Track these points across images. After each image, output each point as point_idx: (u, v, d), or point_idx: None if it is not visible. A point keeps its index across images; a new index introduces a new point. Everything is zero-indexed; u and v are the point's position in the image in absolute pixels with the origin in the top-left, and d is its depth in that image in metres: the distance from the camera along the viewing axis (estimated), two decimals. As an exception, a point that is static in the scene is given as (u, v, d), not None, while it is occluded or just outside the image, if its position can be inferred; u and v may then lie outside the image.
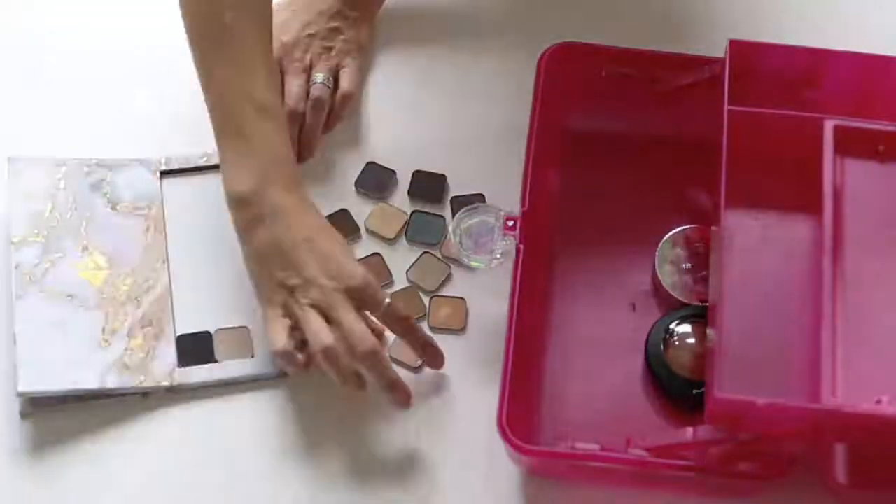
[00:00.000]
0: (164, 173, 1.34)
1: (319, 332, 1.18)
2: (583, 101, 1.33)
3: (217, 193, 1.32)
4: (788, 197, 1.22)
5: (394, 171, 1.34)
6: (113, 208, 1.31)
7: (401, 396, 1.21)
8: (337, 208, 1.33)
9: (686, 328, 1.25)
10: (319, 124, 1.36)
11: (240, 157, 1.22)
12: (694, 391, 1.21)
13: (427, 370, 1.26)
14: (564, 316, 1.27)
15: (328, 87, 1.36)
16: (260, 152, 1.21)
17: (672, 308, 1.27)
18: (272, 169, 1.21)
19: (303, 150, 1.35)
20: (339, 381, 1.19)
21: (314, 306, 1.18)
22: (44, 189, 1.31)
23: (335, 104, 1.37)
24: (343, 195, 1.34)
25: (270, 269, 1.20)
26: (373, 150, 1.37)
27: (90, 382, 1.22)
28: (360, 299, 1.20)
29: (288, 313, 1.20)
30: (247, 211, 1.21)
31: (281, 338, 1.19)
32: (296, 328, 1.19)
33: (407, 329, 1.22)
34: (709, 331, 1.19)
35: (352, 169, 1.36)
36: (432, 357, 1.24)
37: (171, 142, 1.35)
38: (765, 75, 1.26)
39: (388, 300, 1.21)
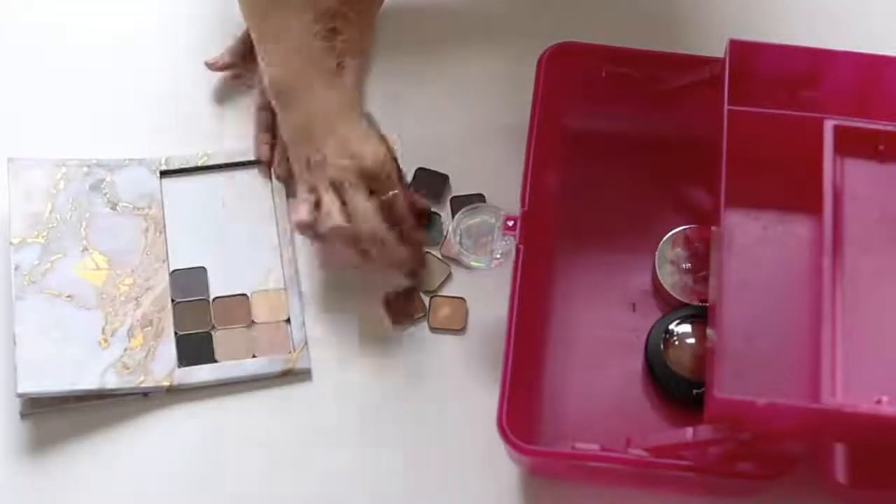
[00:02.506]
0: (164, 173, 1.34)
1: (330, 211, 1.22)
2: (583, 101, 1.33)
3: (217, 193, 1.32)
4: (788, 197, 1.22)
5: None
6: (113, 208, 1.31)
7: (408, 273, 1.26)
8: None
9: (686, 328, 1.25)
10: (321, 125, 1.36)
11: (273, 55, 1.28)
12: (694, 391, 1.21)
13: (425, 371, 1.26)
14: (564, 316, 1.27)
15: (329, 87, 1.36)
16: (292, 47, 1.28)
17: (672, 308, 1.27)
18: (302, 59, 1.28)
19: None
20: (353, 257, 1.24)
21: (332, 185, 1.23)
22: (43, 190, 1.31)
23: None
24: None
25: (299, 148, 1.27)
26: (373, 151, 1.37)
27: (90, 383, 1.22)
28: (372, 181, 1.24)
29: (312, 190, 1.25)
30: (281, 93, 1.28)
31: (301, 212, 1.25)
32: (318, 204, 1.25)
33: (403, 224, 1.26)
34: (709, 331, 1.19)
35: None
36: (417, 262, 1.28)
37: (171, 142, 1.35)
38: (765, 75, 1.26)
39: (395, 191, 1.24)
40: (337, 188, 1.24)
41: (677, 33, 1.42)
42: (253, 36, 1.31)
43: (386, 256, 1.25)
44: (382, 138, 1.27)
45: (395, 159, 1.27)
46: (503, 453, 1.19)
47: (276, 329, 1.28)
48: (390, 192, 1.25)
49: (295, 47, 1.28)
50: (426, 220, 1.31)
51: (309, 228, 1.25)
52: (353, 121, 1.27)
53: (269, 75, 1.29)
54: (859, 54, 1.26)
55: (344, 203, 1.24)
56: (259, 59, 1.30)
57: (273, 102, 1.30)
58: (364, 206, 1.23)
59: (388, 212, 1.25)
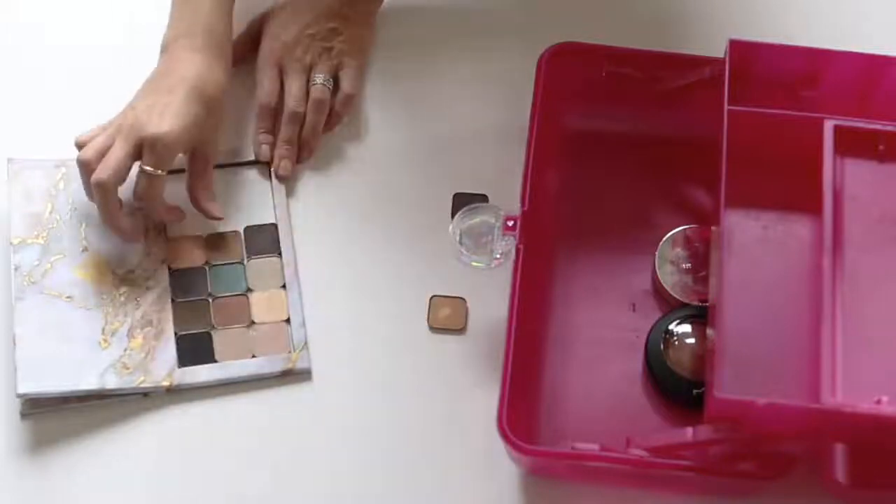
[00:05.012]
0: (164, 173, 1.34)
1: (89, 147, 1.26)
2: (583, 101, 1.33)
3: (217, 193, 1.32)
4: (788, 197, 1.22)
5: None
6: (113, 209, 1.31)
7: (116, 231, 1.28)
8: (334, 206, 1.34)
9: (686, 328, 1.25)
10: (320, 125, 1.36)
11: (173, 17, 1.32)
12: (694, 391, 1.21)
13: (425, 371, 1.26)
14: (564, 316, 1.27)
15: (328, 88, 1.36)
16: (189, 18, 1.31)
17: (672, 308, 1.27)
18: (192, 29, 1.30)
19: (302, 150, 1.36)
20: (86, 192, 1.28)
21: (116, 130, 1.27)
22: (43, 190, 1.31)
23: (335, 105, 1.37)
24: (344, 193, 1.35)
25: (137, 93, 1.30)
26: (373, 151, 1.37)
27: (90, 383, 1.22)
28: (145, 150, 1.25)
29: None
30: (161, 57, 1.31)
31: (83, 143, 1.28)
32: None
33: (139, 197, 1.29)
34: (709, 331, 1.19)
35: (351, 168, 1.36)
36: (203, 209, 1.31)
37: (171, 142, 1.35)
38: (765, 75, 1.26)
39: (161, 172, 1.26)
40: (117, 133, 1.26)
41: (677, 33, 1.42)
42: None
43: (105, 210, 1.26)
44: (196, 125, 1.27)
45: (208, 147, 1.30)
46: (503, 453, 1.19)
47: (275, 329, 1.28)
48: (150, 169, 1.26)
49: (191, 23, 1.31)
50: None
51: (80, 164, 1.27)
52: (182, 97, 1.27)
53: (165, 37, 1.31)
54: (859, 54, 1.26)
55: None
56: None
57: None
58: (114, 156, 1.25)
59: (138, 183, 1.27)
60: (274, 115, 1.36)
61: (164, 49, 1.31)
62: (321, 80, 1.36)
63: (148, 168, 1.25)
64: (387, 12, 1.42)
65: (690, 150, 1.31)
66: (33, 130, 1.37)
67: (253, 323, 1.28)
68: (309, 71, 1.37)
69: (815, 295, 1.14)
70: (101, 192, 1.25)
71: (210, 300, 1.29)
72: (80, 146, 1.27)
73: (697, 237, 1.29)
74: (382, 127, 1.38)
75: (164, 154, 1.25)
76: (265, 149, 1.35)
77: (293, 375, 1.26)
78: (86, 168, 1.25)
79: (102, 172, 1.24)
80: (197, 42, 1.30)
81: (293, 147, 1.35)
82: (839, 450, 1.18)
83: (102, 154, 1.25)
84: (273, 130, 1.36)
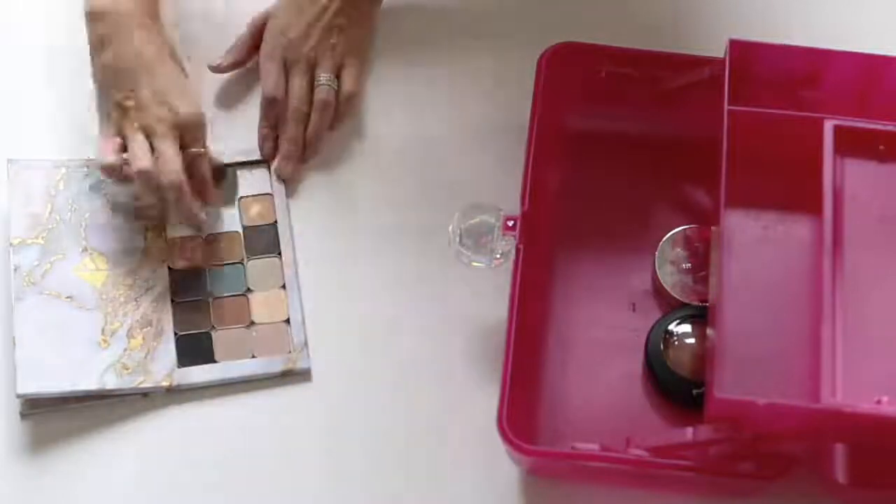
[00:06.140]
0: (164, 174, 1.34)
1: (141, 155, 1.25)
2: (583, 101, 1.33)
3: (217, 193, 1.32)
4: (788, 197, 1.22)
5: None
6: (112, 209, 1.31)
7: (197, 227, 1.30)
8: (334, 206, 1.34)
9: (686, 328, 1.25)
10: (325, 126, 1.36)
11: None
12: (694, 392, 1.21)
13: (425, 371, 1.26)
14: (564, 316, 1.27)
15: (334, 89, 1.36)
16: None
17: (672, 308, 1.27)
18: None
19: (307, 149, 1.36)
20: (152, 200, 1.28)
21: (142, 129, 1.26)
22: (43, 190, 1.31)
23: (338, 104, 1.37)
24: (344, 193, 1.35)
25: (111, 87, 1.28)
26: (373, 151, 1.37)
27: (89, 384, 1.22)
28: (183, 134, 1.27)
29: (119, 133, 1.27)
30: (99, 26, 1.29)
31: (109, 153, 1.27)
32: (125, 147, 1.27)
33: (204, 181, 1.29)
34: (709, 331, 1.19)
35: (351, 168, 1.36)
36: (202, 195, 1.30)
37: (171, 142, 1.35)
38: (765, 75, 1.26)
39: (202, 149, 1.28)
40: (147, 134, 1.26)
41: (677, 33, 1.42)
42: None
43: (182, 207, 1.27)
44: (196, 95, 1.31)
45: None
46: (503, 453, 1.18)
47: (275, 329, 1.28)
48: (198, 149, 1.28)
49: None
50: (220, 176, 1.33)
51: (115, 171, 1.26)
52: (172, 70, 1.29)
53: (94, 5, 1.29)
54: (859, 54, 1.26)
55: (152, 149, 1.26)
56: None
57: (89, 38, 1.29)
58: (171, 154, 1.25)
59: (191, 167, 1.28)
60: (278, 109, 1.36)
61: (105, 27, 1.28)
62: (326, 80, 1.35)
63: (195, 150, 1.27)
64: (387, 12, 1.42)
65: (690, 150, 1.31)
66: (33, 130, 1.37)
67: (253, 323, 1.28)
68: (313, 69, 1.37)
69: (815, 295, 1.14)
70: (177, 192, 1.25)
71: (210, 300, 1.29)
72: (110, 168, 1.26)
73: (697, 237, 1.29)
74: (382, 127, 1.38)
75: (200, 131, 1.28)
76: (269, 145, 1.35)
77: (293, 375, 1.26)
78: (148, 177, 1.25)
79: (172, 173, 1.25)
80: (139, 11, 1.29)
81: (298, 147, 1.35)
82: (839, 450, 1.18)
83: (150, 157, 1.25)
84: (276, 127, 1.36)
